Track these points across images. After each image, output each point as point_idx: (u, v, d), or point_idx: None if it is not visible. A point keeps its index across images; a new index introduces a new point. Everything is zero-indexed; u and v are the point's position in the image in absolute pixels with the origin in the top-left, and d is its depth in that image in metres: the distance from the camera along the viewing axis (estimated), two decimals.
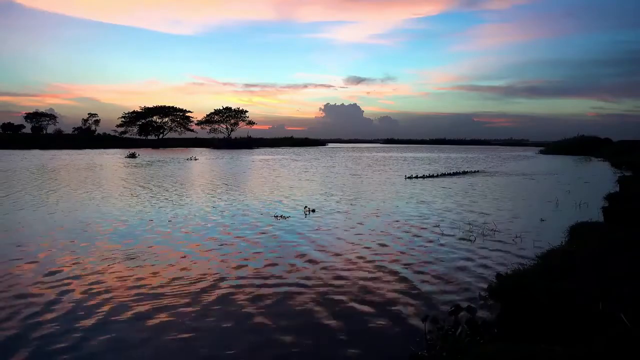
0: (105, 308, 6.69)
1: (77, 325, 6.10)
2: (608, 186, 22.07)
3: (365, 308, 6.82)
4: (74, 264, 8.94)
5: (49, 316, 6.38)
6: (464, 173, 33.94)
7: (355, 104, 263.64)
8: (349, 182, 26.83)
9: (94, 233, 11.79)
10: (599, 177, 30.71)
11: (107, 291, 7.40)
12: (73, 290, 7.42)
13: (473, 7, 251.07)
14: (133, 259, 9.36)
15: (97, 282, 7.83)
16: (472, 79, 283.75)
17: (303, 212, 15.17)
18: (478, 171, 36.43)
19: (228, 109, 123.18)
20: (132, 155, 54.29)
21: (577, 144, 77.03)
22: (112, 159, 52.45)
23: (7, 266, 8.74)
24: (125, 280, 7.99)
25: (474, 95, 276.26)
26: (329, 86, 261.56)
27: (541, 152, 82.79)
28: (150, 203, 17.29)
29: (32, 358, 5.24)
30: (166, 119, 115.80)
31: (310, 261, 9.36)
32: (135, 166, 39.87)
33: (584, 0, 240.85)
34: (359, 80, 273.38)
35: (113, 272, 8.43)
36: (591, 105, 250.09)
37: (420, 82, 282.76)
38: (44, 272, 8.36)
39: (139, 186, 23.37)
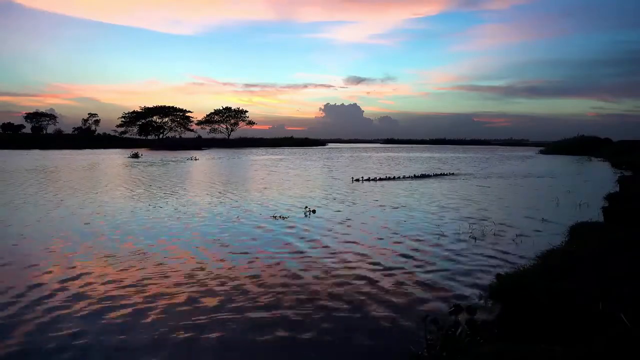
0: (112, 305, 6.73)
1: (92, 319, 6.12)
2: (608, 186, 22.06)
3: (365, 308, 6.82)
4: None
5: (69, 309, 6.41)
6: (451, 174, 32.09)
7: (355, 104, 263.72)
8: (350, 181, 26.79)
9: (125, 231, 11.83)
10: (599, 177, 30.71)
11: (112, 288, 7.44)
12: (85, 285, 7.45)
13: (473, 7, 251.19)
14: (142, 254, 9.39)
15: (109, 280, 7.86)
16: (472, 79, 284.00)
17: (304, 213, 15.17)
18: (452, 174, 36.26)
19: (228, 109, 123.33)
20: (135, 155, 54.40)
21: (577, 144, 76.95)
22: (118, 159, 52.54)
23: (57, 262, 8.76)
24: (128, 278, 8.02)
25: (474, 95, 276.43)
26: (329, 86, 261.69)
27: (541, 152, 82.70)
28: (153, 201, 17.31)
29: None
30: (166, 119, 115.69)
31: (309, 262, 9.36)
32: (142, 166, 39.90)
33: (583, 0, 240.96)
34: (359, 80, 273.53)
35: (114, 271, 8.46)
36: (591, 105, 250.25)
37: (420, 82, 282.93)
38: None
39: (150, 186, 23.42)
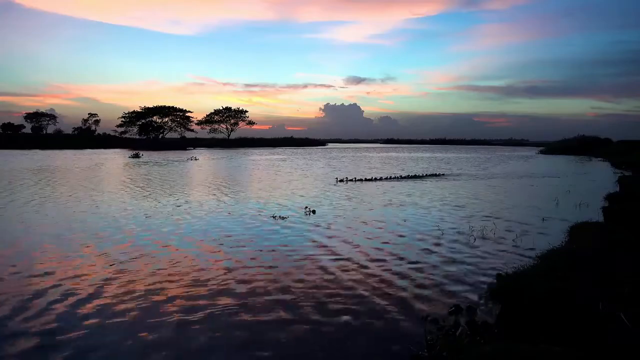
0: (112, 304, 6.73)
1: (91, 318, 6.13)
2: (608, 186, 22.08)
3: (366, 309, 6.82)
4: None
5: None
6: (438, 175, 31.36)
7: (355, 104, 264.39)
8: (352, 182, 26.76)
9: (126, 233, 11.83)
10: (599, 177, 30.71)
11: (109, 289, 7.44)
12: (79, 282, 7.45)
13: (473, 7, 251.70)
14: (136, 258, 9.39)
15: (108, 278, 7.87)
16: (472, 79, 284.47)
17: (304, 213, 15.17)
18: (451, 174, 36.23)
19: (228, 109, 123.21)
20: (136, 156, 54.48)
21: (577, 144, 77.00)
22: (120, 159, 52.67)
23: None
24: (126, 279, 8.02)
25: (474, 95, 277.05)
26: (329, 86, 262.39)
27: (541, 152, 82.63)
28: (157, 201, 17.31)
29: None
30: (166, 119, 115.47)
31: (310, 262, 9.36)
32: (145, 166, 39.93)
33: (584, 0, 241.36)
34: (359, 80, 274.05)
35: (111, 272, 8.47)
36: (591, 105, 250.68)
37: (420, 82, 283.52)
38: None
39: (148, 187, 23.44)
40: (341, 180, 26.88)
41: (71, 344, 5.60)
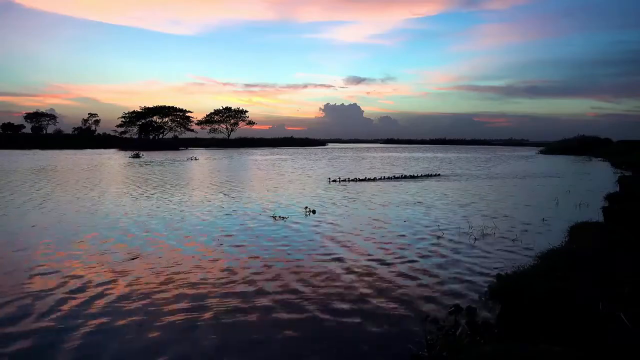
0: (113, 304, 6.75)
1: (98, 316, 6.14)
2: (608, 186, 22.08)
3: (365, 308, 6.82)
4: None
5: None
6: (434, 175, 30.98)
7: (355, 104, 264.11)
8: (352, 182, 26.76)
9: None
10: (599, 177, 30.71)
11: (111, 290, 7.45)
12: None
13: (473, 7, 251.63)
14: (135, 258, 9.40)
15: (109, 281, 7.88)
16: (472, 79, 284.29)
17: (304, 213, 15.17)
18: (442, 174, 36.13)
19: (228, 109, 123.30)
20: (137, 156, 54.57)
21: (577, 144, 76.96)
22: (121, 159, 52.79)
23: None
24: (126, 280, 8.03)
25: (474, 95, 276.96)
26: (329, 86, 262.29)
27: (541, 152, 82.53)
28: (159, 201, 17.33)
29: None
30: (166, 119, 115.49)
31: (310, 261, 9.36)
32: (147, 166, 39.95)
33: (584, 0, 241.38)
34: (359, 80, 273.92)
35: (109, 272, 8.47)
36: (591, 105, 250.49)
37: (420, 82, 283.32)
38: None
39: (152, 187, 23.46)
40: (334, 181, 26.62)
41: (75, 344, 5.62)
